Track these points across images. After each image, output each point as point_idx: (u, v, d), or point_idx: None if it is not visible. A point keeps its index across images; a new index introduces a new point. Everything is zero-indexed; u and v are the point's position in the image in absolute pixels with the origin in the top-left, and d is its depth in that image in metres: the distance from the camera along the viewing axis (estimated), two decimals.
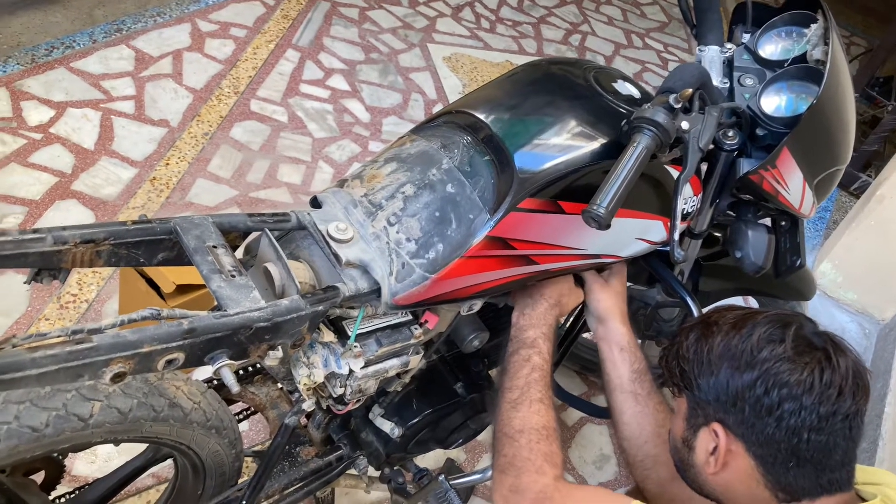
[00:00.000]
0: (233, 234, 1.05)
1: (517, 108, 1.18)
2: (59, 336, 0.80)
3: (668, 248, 1.15)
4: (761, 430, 0.91)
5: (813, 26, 1.26)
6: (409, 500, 1.45)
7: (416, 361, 1.18)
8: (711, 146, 1.14)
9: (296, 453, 1.39)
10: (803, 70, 1.23)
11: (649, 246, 1.28)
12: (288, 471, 1.34)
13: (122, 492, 1.35)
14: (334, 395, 1.12)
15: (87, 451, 1.65)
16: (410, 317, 1.15)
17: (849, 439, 0.91)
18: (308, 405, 1.13)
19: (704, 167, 1.25)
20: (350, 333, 1.06)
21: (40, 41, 2.93)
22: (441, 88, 3.52)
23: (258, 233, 1.08)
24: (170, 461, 1.33)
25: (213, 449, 1.18)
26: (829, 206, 3.68)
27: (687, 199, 1.20)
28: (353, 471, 1.44)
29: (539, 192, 1.09)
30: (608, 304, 1.30)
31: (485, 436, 1.59)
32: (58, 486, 1.25)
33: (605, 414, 1.43)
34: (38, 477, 1.22)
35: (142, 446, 1.31)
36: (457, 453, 2.03)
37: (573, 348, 2.04)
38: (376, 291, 1.06)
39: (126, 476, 1.32)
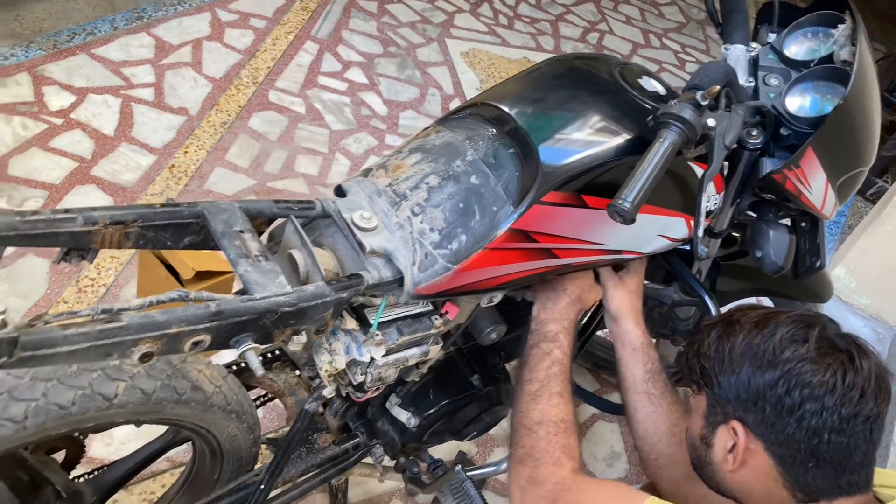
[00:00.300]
0: (258, 220, 1.06)
1: (542, 101, 1.18)
2: (88, 315, 0.80)
3: (687, 247, 1.15)
4: (781, 430, 0.91)
5: (840, 27, 1.25)
6: (423, 490, 1.46)
7: (435, 351, 1.18)
8: (735, 145, 1.14)
9: (313, 440, 1.40)
10: (829, 70, 1.23)
11: (670, 243, 1.27)
12: (305, 457, 1.35)
13: (138, 475, 1.36)
14: (354, 383, 1.12)
15: (103, 434, 1.66)
16: (431, 307, 1.16)
17: (869, 441, 0.91)
18: (329, 391, 1.14)
19: (726, 166, 1.25)
20: (372, 322, 1.07)
21: (62, 27, 2.95)
22: (458, 83, 3.52)
23: (283, 220, 1.09)
24: (186, 445, 1.34)
25: (232, 433, 1.19)
26: (844, 211, 3.66)
27: (710, 196, 1.20)
28: (368, 459, 1.44)
29: (563, 185, 1.09)
30: (621, 302, 1.30)
31: (497, 429, 1.59)
32: (77, 466, 1.27)
33: (619, 410, 1.43)
34: (59, 456, 1.24)
35: (160, 430, 1.32)
36: (468, 446, 2.04)
37: (587, 345, 2.04)
38: (399, 280, 1.07)
39: (144, 458, 1.33)
